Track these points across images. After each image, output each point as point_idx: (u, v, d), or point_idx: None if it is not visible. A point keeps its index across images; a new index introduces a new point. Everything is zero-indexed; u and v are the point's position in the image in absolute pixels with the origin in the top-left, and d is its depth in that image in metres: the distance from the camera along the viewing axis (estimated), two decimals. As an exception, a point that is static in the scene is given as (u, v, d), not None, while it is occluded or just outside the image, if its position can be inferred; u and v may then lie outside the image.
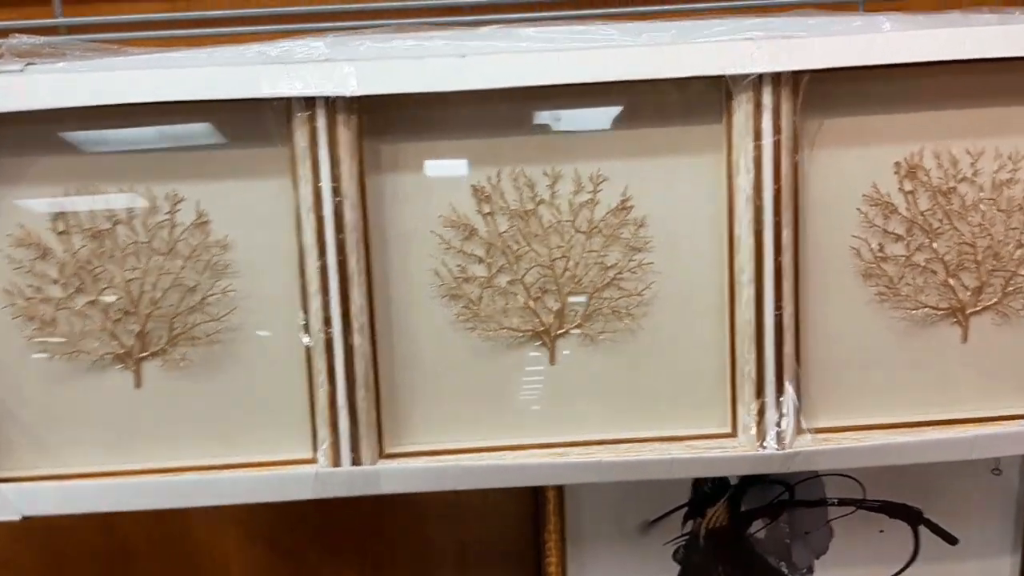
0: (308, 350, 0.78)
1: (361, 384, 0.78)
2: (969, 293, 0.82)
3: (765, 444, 0.80)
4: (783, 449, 0.80)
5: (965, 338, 0.83)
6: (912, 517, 1.08)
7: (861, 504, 1.08)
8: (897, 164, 0.80)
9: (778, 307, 0.78)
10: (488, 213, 0.79)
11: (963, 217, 0.81)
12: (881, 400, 0.83)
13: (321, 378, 0.78)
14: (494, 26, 0.85)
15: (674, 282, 0.81)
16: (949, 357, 0.83)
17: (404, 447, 0.81)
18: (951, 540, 1.07)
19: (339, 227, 0.76)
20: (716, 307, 0.81)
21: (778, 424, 0.80)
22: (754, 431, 0.80)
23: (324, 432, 0.79)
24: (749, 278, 0.78)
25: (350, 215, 0.76)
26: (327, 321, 0.77)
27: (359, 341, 0.78)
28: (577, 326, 0.81)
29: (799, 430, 0.81)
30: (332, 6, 0.92)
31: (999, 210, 0.81)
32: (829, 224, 0.80)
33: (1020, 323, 0.83)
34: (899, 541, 1.08)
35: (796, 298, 0.79)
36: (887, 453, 0.80)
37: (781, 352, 0.79)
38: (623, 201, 0.80)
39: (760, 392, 0.79)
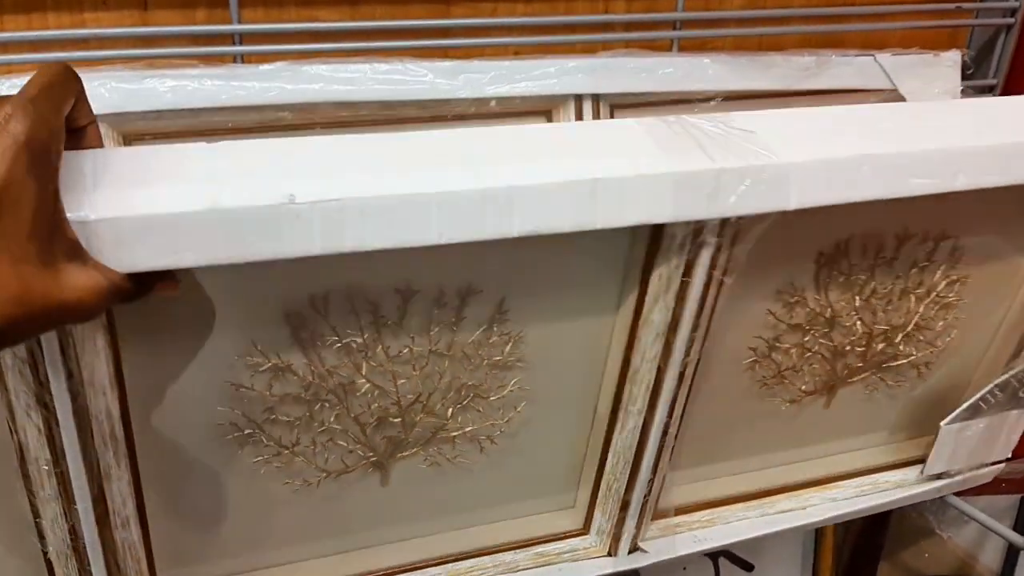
0: (49, 561, 0.54)
1: (133, 579, 0.56)
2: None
3: (619, 547, 0.71)
4: (635, 550, 0.72)
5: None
6: (713, 551, 1.07)
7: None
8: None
9: (665, 432, 0.65)
10: (309, 344, 0.55)
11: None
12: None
13: (71, 590, 0.55)
14: (278, 62, 0.64)
15: (543, 405, 0.64)
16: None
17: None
18: (748, 567, 1.09)
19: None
20: (586, 430, 0.66)
21: (636, 528, 0.71)
22: (608, 531, 0.71)
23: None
24: (640, 409, 0.63)
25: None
26: (73, 531, 0.52)
27: (124, 535, 0.54)
28: (420, 450, 0.63)
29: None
30: (57, 32, 0.63)
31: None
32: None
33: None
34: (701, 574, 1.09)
35: (681, 416, 0.66)
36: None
37: (656, 471, 0.67)
38: (497, 314, 0.58)
39: (626, 507, 0.69)
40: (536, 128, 0.52)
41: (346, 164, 0.46)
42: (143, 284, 0.43)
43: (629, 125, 0.53)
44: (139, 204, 0.42)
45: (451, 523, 0.69)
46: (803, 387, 0.72)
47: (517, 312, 0.58)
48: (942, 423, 0.77)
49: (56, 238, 0.39)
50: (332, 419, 0.58)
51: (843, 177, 0.53)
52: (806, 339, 0.69)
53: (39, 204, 0.38)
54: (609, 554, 0.72)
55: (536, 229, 0.48)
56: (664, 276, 0.56)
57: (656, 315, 0.58)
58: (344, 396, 0.58)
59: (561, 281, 0.58)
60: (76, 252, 0.40)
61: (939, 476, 0.81)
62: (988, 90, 0.96)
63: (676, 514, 0.74)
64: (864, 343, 0.71)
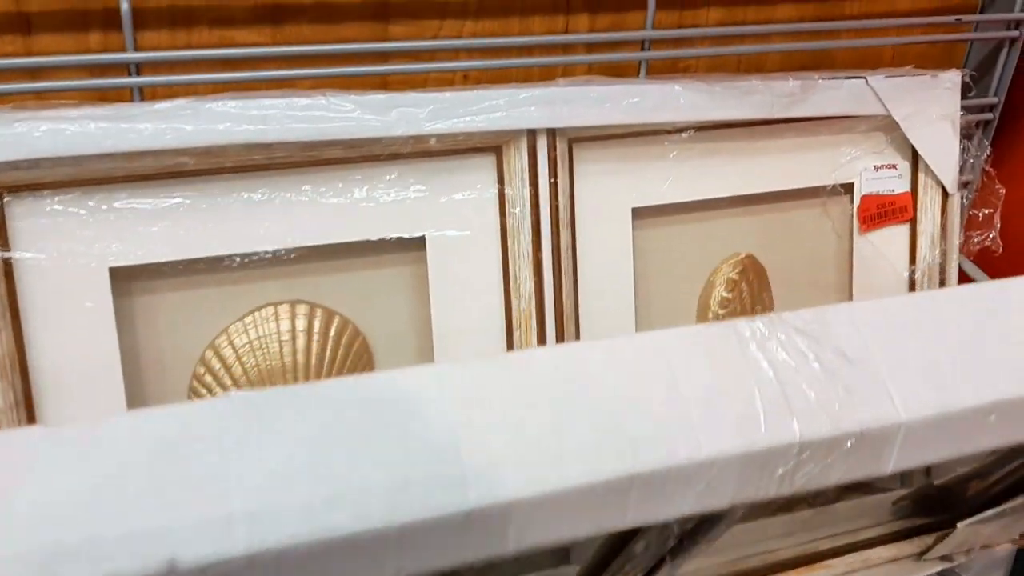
0: None
1: None
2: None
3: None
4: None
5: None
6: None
7: None
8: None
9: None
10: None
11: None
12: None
13: None
14: (178, 99, 0.55)
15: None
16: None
17: None
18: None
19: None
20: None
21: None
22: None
23: None
24: (654, 555, 0.55)
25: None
26: None
27: None
28: None
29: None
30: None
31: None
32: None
33: None
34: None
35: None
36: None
37: None
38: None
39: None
40: (540, 366, 0.34)
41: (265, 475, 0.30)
42: None
43: (681, 347, 0.35)
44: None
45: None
46: (823, 499, 0.64)
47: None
48: (960, 524, 0.70)
49: None
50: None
51: (964, 430, 0.40)
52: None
53: None
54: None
55: (537, 543, 0.34)
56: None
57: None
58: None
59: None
60: None
61: (941, 558, 0.76)
62: (988, 109, 0.88)
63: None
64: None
